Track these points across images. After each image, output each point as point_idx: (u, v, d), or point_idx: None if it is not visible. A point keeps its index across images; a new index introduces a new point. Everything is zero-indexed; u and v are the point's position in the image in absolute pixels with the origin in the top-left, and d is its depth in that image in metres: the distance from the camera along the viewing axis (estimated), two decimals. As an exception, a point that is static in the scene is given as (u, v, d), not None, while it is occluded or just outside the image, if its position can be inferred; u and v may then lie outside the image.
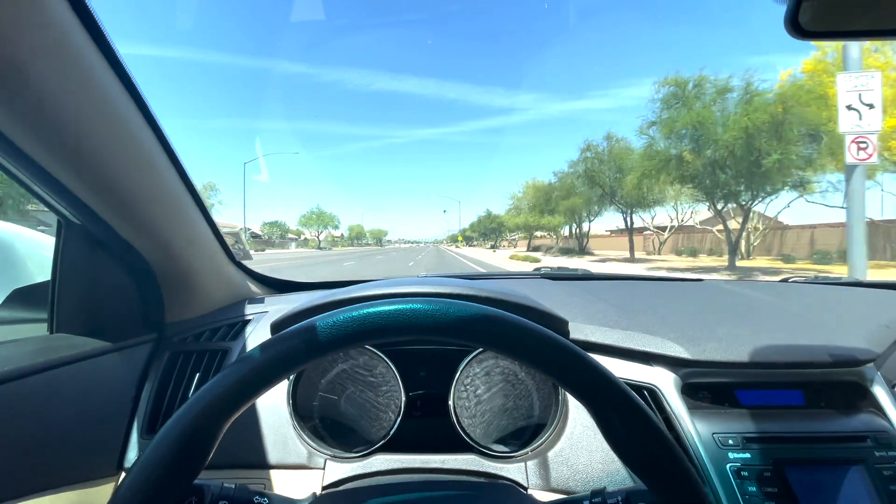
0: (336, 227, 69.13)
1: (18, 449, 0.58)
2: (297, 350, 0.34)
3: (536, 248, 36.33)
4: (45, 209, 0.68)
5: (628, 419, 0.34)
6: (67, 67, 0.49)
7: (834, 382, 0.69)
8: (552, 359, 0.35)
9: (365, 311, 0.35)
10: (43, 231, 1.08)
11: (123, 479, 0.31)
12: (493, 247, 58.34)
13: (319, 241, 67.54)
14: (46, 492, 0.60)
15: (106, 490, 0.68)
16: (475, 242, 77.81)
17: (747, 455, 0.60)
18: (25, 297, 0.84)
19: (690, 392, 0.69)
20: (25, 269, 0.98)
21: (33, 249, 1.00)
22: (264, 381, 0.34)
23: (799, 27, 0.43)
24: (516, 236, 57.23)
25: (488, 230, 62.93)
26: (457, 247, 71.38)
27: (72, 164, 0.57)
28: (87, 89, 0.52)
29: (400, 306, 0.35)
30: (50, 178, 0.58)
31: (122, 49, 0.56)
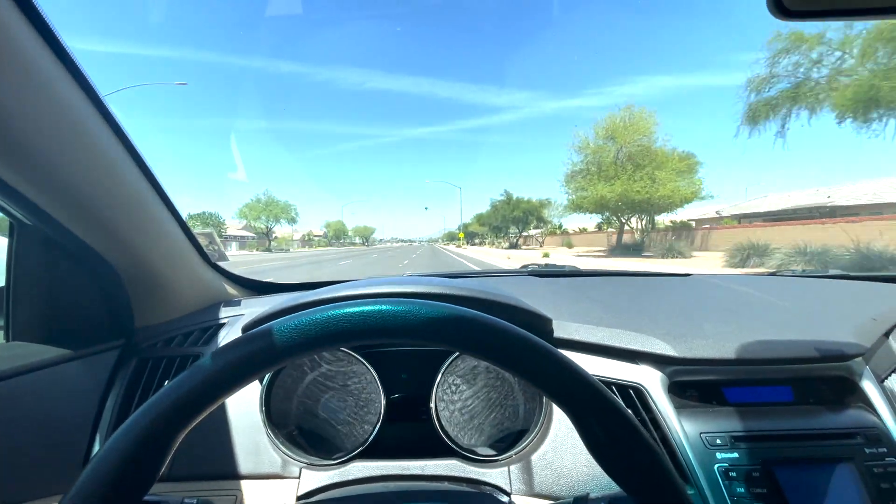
0: (293, 221, 51.38)
1: None
2: (254, 356, 0.32)
3: (635, 247, 17.92)
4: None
5: (608, 423, 0.32)
6: (11, 66, 0.46)
7: (822, 378, 0.68)
8: (526, 361, 0.32)
9: (328, 313, 0.32)
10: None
11: (62, 499, 0.28)
12: (513, 246, 36.80)
13: (269, 241, 50.84)
14: None
15: None
16: (477, 240, 58.27)
17: (735, 455, 0.59)
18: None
19: (677, 390, 0.68)
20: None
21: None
22: (220, 389, 0.31)
23: (783, 8, 0.41)
24: (540, 232, 39.46)
25: (508, 220, 39.18)
26: (456, 246, 53.74)
27: (20, 165, 0.53)
28: (33, 87, 0.49)
29: (366, 308, 0.33)
30: None
31: (96, 48, 0.55)
